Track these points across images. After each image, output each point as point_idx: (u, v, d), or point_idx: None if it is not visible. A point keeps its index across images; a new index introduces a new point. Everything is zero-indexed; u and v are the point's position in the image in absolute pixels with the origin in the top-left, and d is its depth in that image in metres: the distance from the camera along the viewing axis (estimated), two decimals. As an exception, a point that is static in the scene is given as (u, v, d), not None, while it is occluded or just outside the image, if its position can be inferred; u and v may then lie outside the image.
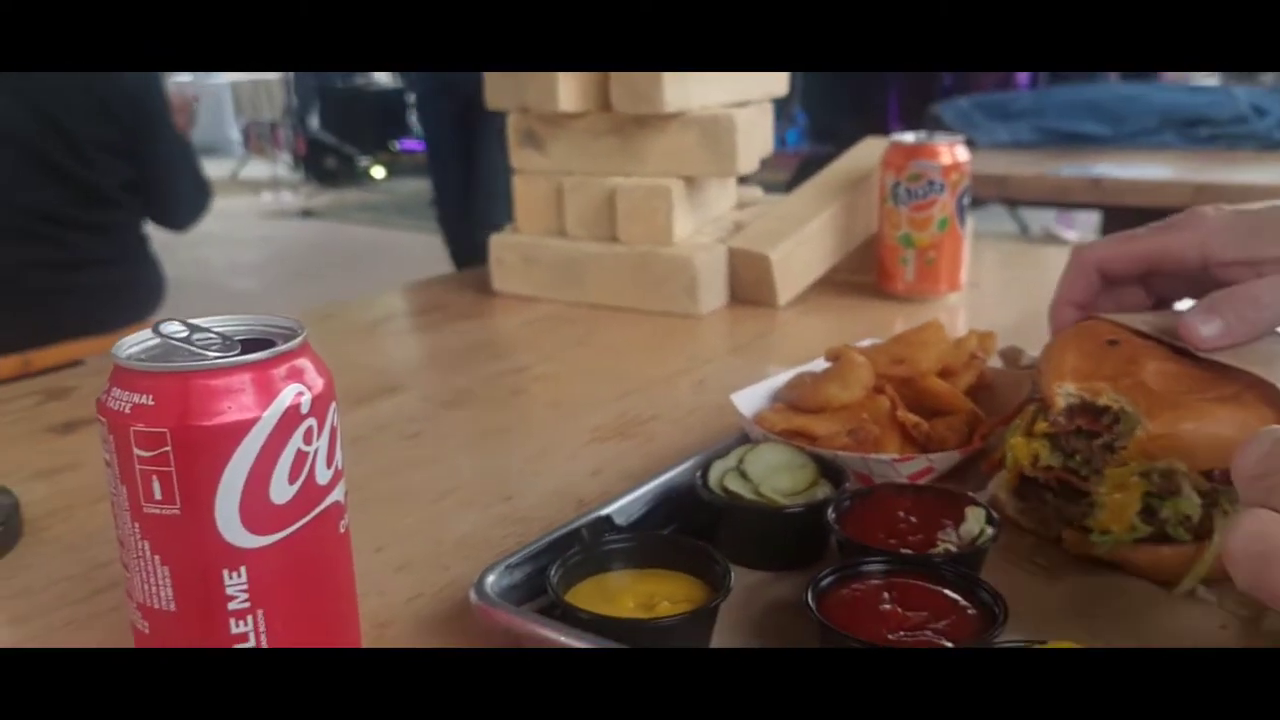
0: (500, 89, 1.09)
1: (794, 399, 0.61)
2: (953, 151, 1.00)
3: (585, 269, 1.06)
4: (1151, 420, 0.47)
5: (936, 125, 2.55)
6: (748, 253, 1.03)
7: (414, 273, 3.93)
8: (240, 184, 7.92)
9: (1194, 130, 2.27)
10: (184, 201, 2.24)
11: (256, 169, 7.98)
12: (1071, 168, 2.05)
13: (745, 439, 0.59)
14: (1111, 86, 2.67)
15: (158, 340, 0.38)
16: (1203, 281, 0.53)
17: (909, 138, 1.02)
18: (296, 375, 0.38)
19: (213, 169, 8.34)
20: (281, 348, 0.37)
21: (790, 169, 5.85)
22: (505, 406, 0.78)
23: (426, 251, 5.78)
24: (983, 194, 1.93)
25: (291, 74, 8.20)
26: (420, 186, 7.18)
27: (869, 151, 1.15)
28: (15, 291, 2.08)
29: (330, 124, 8.36)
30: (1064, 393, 0.51)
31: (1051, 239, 5.29)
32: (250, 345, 0.38)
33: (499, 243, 1.11)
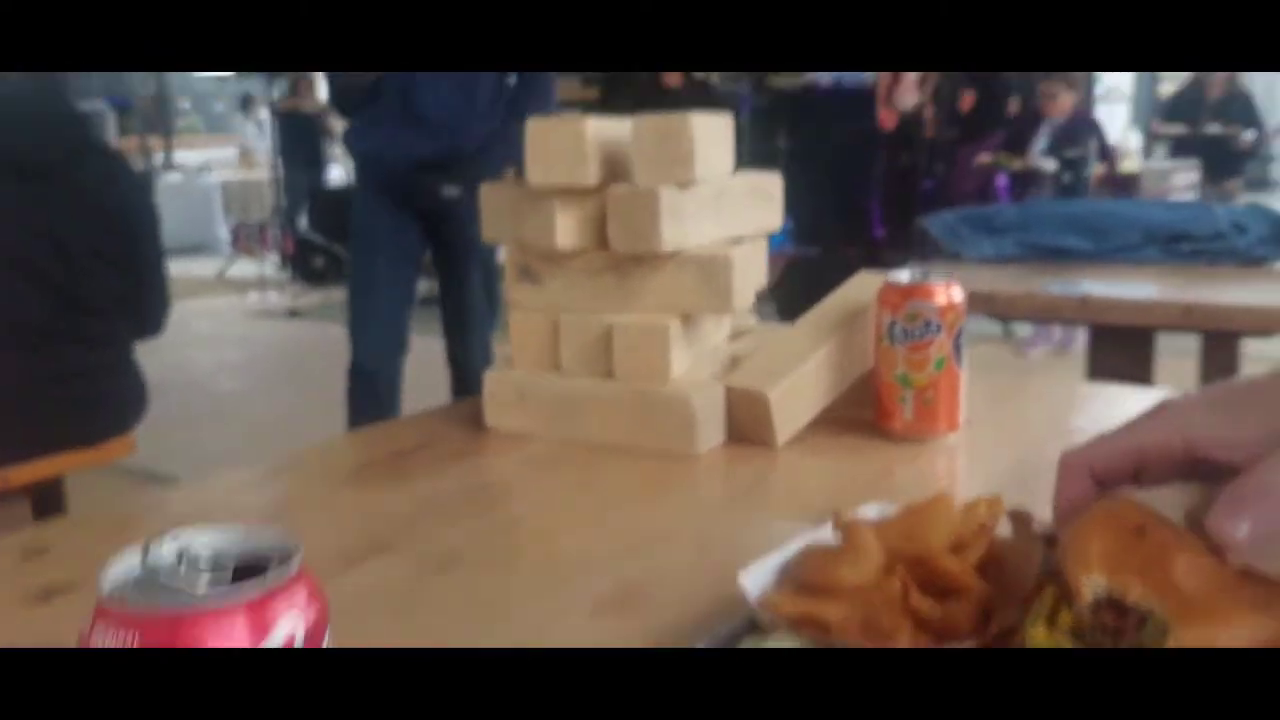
0: (497, 223, 1.09)
1: (803, 577, 0.59)
2: (949, 292, 1.00)
3: (581, 407, 1.05)
4: (1184, 628, 0.45)
5: (923, 239, 2.59)
6: (746, 391, 1.02)
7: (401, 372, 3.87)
8: (227, 283, 7.95)
9: (1176, 245, 2.31)
10: (158, 309, 2.24)
11: (244, 268, 8.02)
12: (1059, 284, 2.07)
13: (753, 622, 0.56)
14: (1093, 203, 2.73)
15: (142, 571, 0.36)
16: (1193, 465, 0.53)
17: (904, 276, 1.02)
18: (291, 603, 0.36)
19: (200, 268, 8.38)
20: (276, 578, 0.35)
21: (777, 270, 5.91)
22: (501, 568, 0.75)
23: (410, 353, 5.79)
24: (972, 311, 1.95)
25: (281, 173, 8.32)
26: (408, 285, 7.24)
27: (864, 285, 1.16)
28: (1, 405, 2.05)
29: (319, 224, 8.44)
30: (1091, 585, 0.49)
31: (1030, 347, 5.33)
32: (243, 569, 0.36)
33: (494, 379, 1.10)
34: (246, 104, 10.78)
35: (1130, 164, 8.31)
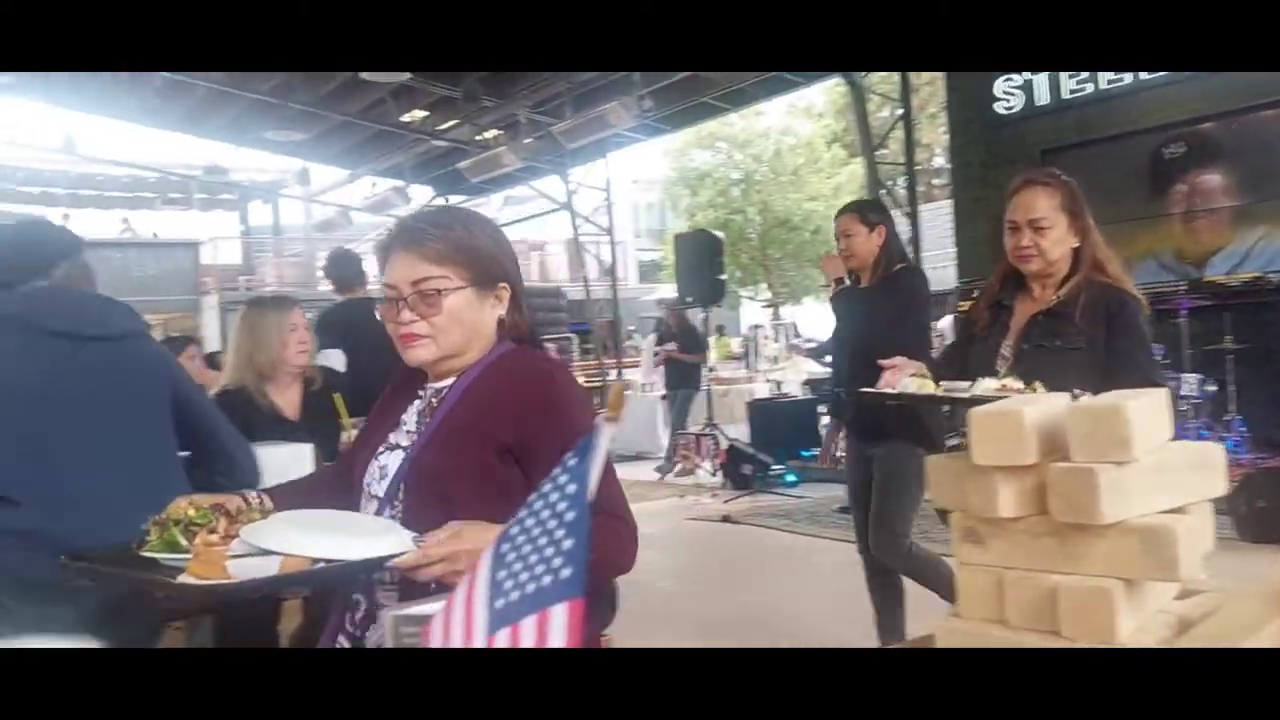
0: (942, 490, 1.26)
1: None
2: None
3: (1027, 661, 1.15)
4: None
5: None
6: (1195, 659, 1.07)
7: (826, 580, 4.01)
8: (664, 486, 8.70)
9: None
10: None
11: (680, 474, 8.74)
12: None
13: None
14: None
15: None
16: None
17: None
18: None
19: (642, 472, 9.07)
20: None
21: (1231, 481, 5.29)
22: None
23: (837, 557, 5.92)
24: None
25: (712, 389, 9.11)
26: (830, 494, 7.46)
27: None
28: None
29: (750, 432, 9.04)
30: None
31: None
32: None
33: (944, 629, 1.24)
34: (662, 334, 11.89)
35: None
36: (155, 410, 2.15)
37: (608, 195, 12.51)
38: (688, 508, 7.77)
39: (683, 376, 9.70)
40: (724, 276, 8.82)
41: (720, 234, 9.26)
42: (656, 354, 10.15)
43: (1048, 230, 2.32)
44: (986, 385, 2.16)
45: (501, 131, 10.60)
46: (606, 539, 1.39)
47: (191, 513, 1.48)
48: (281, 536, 1.34)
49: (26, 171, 15.11)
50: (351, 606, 1.60)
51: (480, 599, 0.70)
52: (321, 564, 1.31)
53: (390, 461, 1.63)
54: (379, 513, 1.58)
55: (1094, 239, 2.39)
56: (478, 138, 10.90)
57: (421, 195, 13.41)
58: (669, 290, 12.76)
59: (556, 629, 0.64)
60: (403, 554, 1.36)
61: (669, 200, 20.92)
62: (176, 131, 12.15)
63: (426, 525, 1.43)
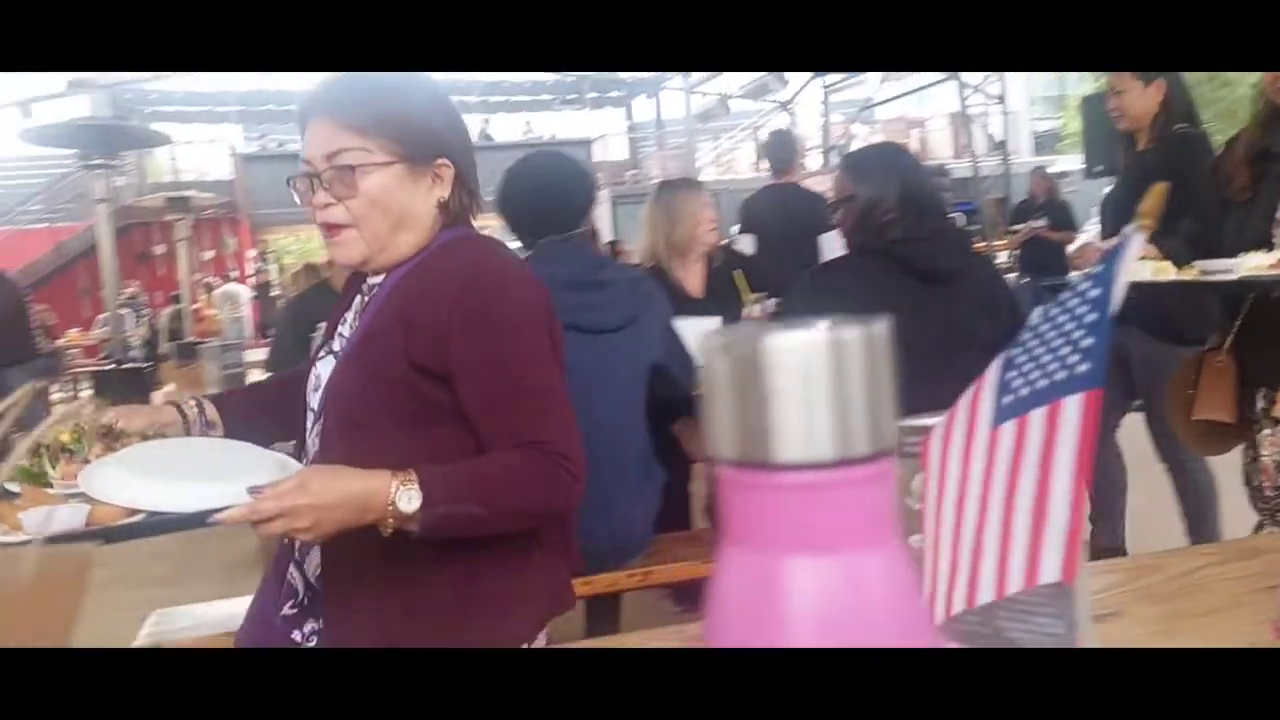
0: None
1: None
2: None
3: None
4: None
5: None
6: None
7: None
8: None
9: None
10: None
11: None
12: None
13: None
14: None
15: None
16: None
17: None
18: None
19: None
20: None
21: None
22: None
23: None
24: None
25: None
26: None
27: None
28: None
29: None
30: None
31: None
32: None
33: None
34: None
35: None
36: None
37: (999, 60, 11.45)
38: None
39: (1043, 261, 8.00)
40: (1140, 142, 7.69)
41: (1136, 93, 8.03)
42: (1018, 231, 8.75)
43: None
44: (1255, 263, 1.71)
45: None
46: (510, 480, 1.23)
47: (65, 436, 1.27)
48: (100, 480, 1.13)
49: (448, 84, 16.84)
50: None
51: (987, 399, 0.67)
52: (141, 515, 1.13)
53: (324, 369, 1.40)
54: (313, 427, 1.39)
55: None
56: (855, 9, 10.39)
57: (798, 78, 13.13)
58: (1071, 162, 11.48)
59: (1069, 418, 0.59)
60: (231, 507, 1.12)
61: (1073, 62, 18.68)
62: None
63: (342, 450, 1.26)
